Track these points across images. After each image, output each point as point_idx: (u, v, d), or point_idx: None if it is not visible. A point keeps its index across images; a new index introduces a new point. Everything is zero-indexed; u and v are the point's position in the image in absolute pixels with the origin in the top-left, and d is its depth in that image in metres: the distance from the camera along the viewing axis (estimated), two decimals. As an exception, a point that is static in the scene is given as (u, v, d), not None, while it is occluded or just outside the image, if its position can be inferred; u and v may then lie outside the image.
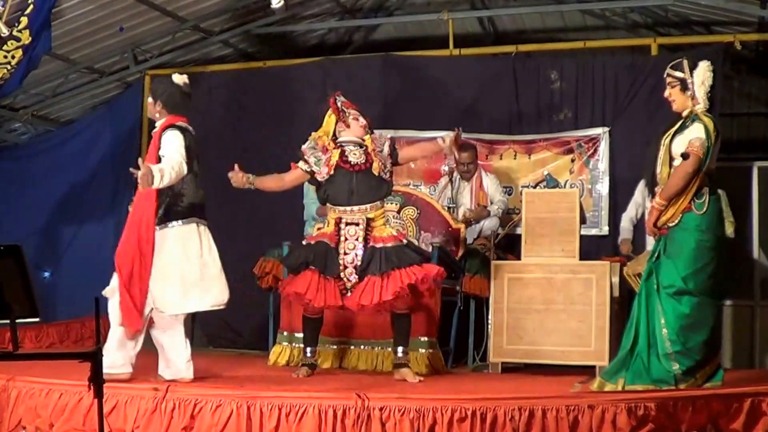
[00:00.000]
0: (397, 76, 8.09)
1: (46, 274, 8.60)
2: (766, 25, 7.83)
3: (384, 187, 5.57)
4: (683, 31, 8.53)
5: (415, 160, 5.73)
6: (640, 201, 6.87)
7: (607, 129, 7.62)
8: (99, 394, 3.50)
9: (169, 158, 5.03)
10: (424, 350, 6.01)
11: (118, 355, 5.04)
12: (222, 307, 5.31)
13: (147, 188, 5.01)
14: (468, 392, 4.77)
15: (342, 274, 5.42)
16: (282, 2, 7.49)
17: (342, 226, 5.47)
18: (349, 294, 5.42)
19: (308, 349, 5.74)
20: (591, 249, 7.06)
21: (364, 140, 5.58)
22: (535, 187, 7.18)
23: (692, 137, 4.74)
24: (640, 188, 6.70)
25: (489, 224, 7.17)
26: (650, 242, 5.81)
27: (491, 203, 7.29)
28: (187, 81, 5.40)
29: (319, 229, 6.55)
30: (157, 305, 5.03)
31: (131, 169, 4.85)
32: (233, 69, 8.72)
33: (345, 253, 5.44)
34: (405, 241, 5.52)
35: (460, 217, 7.10)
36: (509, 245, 7.12)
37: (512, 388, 5.22)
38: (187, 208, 5.17)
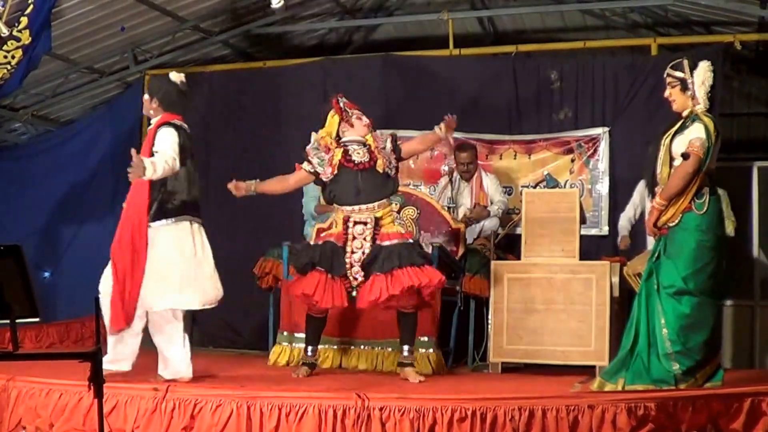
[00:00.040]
0: (397, 76, 8.09)
1: (46, 274, 8.60)
2: (766, 25, 7.83)
3: (390, 185, 5.57)
4: (683, 31, 8.53)
5: (418, 153, 5.74)
6: (638, 201, 6.88)
7: (607, 129, 7.62)
8: (99, 394, 3.50)
9: (162, 153, 5.04)
10: (424, 350, 6.01)
11: (116, 350, 5.06)
12: (213, 305, 5.31)
13: (140, 185, 5.04)
14: (468, 392, 4.77)
15: (348, 273, 5.43)
16: (282, 2, 7.49)
17: (350, 225, 5.48)
18: (355, 293, 5.44)
19: (309, 348, 5.74)
20: (591, 249, 7.06)
21: (366, 139, 5.58)
22: (535, 187, 7.18)
23: (692, 137, 4.74)
24: (639, 189, 6.71)
25: (489, 224, 7.17)
26: (650, 242, 5.81)
27: (491, 203, 7.29)
28: (183, 79, 5.41)
29: (320, 229, 6.56)
30: (146, 302, 5.05)
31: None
32: (233, 69, 8.72)
33: (352, 252, 5.44)
34: (411, 239, 5.52)
35: (460, 217, 7.10)
36: (509, 245, 7.12)
37: (512, 388, 5.22)
38: (179, 206, 5.17)
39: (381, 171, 5.50)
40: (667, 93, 4.95)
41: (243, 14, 8.42)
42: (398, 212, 6.78)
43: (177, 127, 5.20)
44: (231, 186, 5.77)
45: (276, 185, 5.88)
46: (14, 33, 6.50)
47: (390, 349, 6.23)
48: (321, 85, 8.21)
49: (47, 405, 4.48)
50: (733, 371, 6.15)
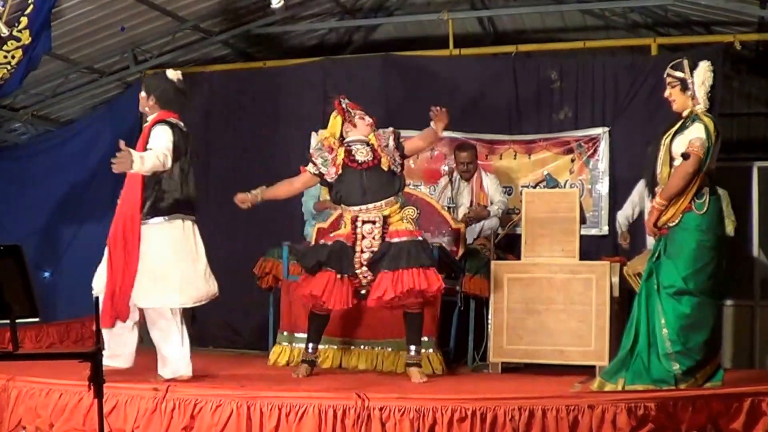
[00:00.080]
0: (397, 76, 8.09)
1: (46, 274, 8.60)
2: (766, 25, 7.82)
3: (397, 182, 5.57)
4: (683, 31, 8.53)
5: (420, 150, 5.73)
6: (636, 200, 6.86)
7: (607, 129, 7.62)
8: (99, 394, 3.50)
9: (155, 150, 5.05)
10: (424, 350, 6.00)
11: (112, 346, 5.07)
12: (205, 302, 5.31)
13: (133, 182, 5.06)
14: (468, 392, 4.78)
15: (358, 272, 5.44)
16: (282, 2, 7.48)
17: (358, 224, 5.48)
18: (365, 291, 5.45)
19: (310, 345, 5.74)
20: (591, 249, 7.06)
21: (370, 138, 5.58)
22: (535, 187, 7.18)
23: (692, 137, 4.74)
24: (639, 188, 6.69)
25: (489, 224, 7.17)
26: (650, 242, 5.81)
27: (491, 203, 7.29)
28: (181, 77, 5.42)
29: (320, 229, 6.57)
30: (137, 299, 5.05)
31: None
32: (233, 69, 8.72)
33: (362, 252, 5.45)
34: (420, 237, 5.50)
35: (460, 217, 7.10)
36: (509, 245, 7.12)
37: (512, 388, 5.22)
38: (172, 205, 5.18)
39: (386, 169, 5.50)
40: (667, 93, 4.95)
41: (243, 14, 8.42)
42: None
43: (172, 126, 5.20)
44: (237, 200, 5.77)
45: (282, 190, 5.87)
46: (14, 33, 6.49)
47: (390, 349, 6.23)
48: (321, 85, 8.21)
49: (47, 405, 4.49)
50: (733, 371, 6.15)
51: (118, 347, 5.22)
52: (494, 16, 8.92)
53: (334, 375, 5.92)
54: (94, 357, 3.48)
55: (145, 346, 5.49)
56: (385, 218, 5.47)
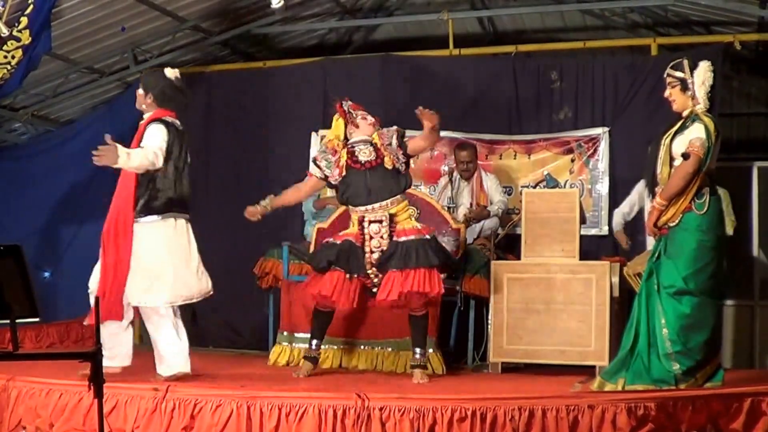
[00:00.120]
0: (397, 76, 8.09)
1: (46, 274, 8.59)
2: (766, 25, 7.82)
3: (402, 180, 5.56)
4: (683, 31, 8.53)
5: (423, 150, 5.72)
6: (635, 200, 6.85)
7: (607, 129, 7.62)
8: (99, 394, 3.50)
9: (146, 148, 5.06)
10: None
11: (108, 346, 5.08)
12: (195, 300, 5.33)
13: (127, 179, 5.08)
14: (468, 392, 4.78)
15: (369, 272, 5.44)
16: (282, 2, 7.48)
17: (365, 225, 5.48)
18: (375, 290, 5.47)
19: (314, 342, 5.74)
20: (591, 249, 7.06)
21: (373, 138, 5.58)
22: (535, 187, 7.18)
23: (693, 137, 4.75)
24: (639, 188, 6.69)
25: (489, 224, 7.17)
26: (650, 242, 5.81)
27: (491, 203, 7.29)
28: (178, 76, 5.43)
29: (320, 229, 6.56)
30: (130, 296, 5.06)
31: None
32: (233, 69, 8.72)
33: (371, 252, 5.45)
34: (429, 236, 5.49)
35: (460, 217, 7.10)
36: (509, 245, 7.11)
37: (512, 388, 5.22)
38: (166, 203, 5.19)
39: (390, 168, 5.50)
40: (667, 93, 4.95)
41: (243, 14, 8.41)
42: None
43: (168, 124, 5.21)
44: (247, 213, 5.79)
45: (290, 197, 5.91)
46: (14, 33, 6.49)
47: (390, 349, 6.23)
48: (321, 85, 8.22)
49: (47, 405, 4.49)
50: (733, 371, 6.15)
51: (115, 347, 5.22)
52: (494, 16, 8.91)
53: (334, 375, 5.93)
54: (94, 357, 3.48)
55: (145, 345, 5.49)
56: (392, 217, 5.48)
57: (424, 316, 5.61)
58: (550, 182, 7.48)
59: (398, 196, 5.53)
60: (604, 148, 7.59)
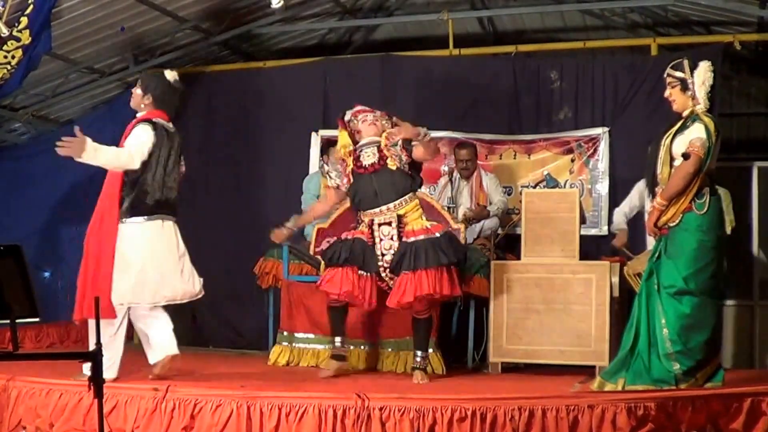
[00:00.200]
0: (397, 76, 8.09)
1: (46, 274, 8.59)
2: (766, 25, 7.82)
3: (408, 181, 5.56)
4: (683, 31, 8.53)
5: (423, 158, 5.69)
6: (635, 199, 6.83)
7: (606, 129, 7.62)
8: (99, 394, 3.49)
9: (126, 147, 5.08)
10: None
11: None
12: (180, 302, 5.32)
13: (114, 179, 5.09)
14: (468, 392, 4.78)
15: (384, 275, 5.45)
16: (282, 2, 7.48)
17: (375, 227, 5.48)
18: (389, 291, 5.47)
19: (337, 339, 5.72)
20: (591, 249, 7.06)
21: (380, 139, 5.57)
22: (535, 187, 7.18)
23: (693, 137, 4.75)
24: (639, 187, 6.67)
25: (489, 224, 7.17)
26: (650, 242, 5.81)
27: (491, 203, 7.29)
28: (177, 78, 5.43)
29: (320, 229, 6.57)
30: (115, 297, 5.05)
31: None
32: (233, 69, 8.72)
33: (383, 254, 5.45)
34: (439, 234, 5.47)
35: (460, 217, 7.10)
36: (509, 245, 7.12)
37: (512, 388, 5.22)
38: (153, 205, 5.19)
39: (394, 169, 5.50)
40: (667, 93, 4.95)
41: (243, 14, 8.41)
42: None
43: (155, 126, 5.20)
44: (273, 237, 5.90)
45: (314, 212, 5.98)
46: (14, 33, 6.49)
47: (390, 350, 6.24)
48: (321, 85, 8.22)
49: (47, 405, 4.49)
50: (733, 371, 6.15)
51: (109, 358, 5.17)
52: (494, 16, 8.91)
53: (334, 375, 5.92)
54: (94, 357, 3.47)
55: (142, 347, 5.48)
56: (401, 218, 5.48)
57: (427, 319, 5.61)
58: (550, 182, 7.48)
59: (406, 197, 5.53)
60: (604, 148, 7.59)
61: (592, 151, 7.64)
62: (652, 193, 4.98)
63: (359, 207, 5.60)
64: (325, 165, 7.48)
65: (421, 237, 5.40)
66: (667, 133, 4.88)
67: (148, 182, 5.16)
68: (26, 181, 8.67)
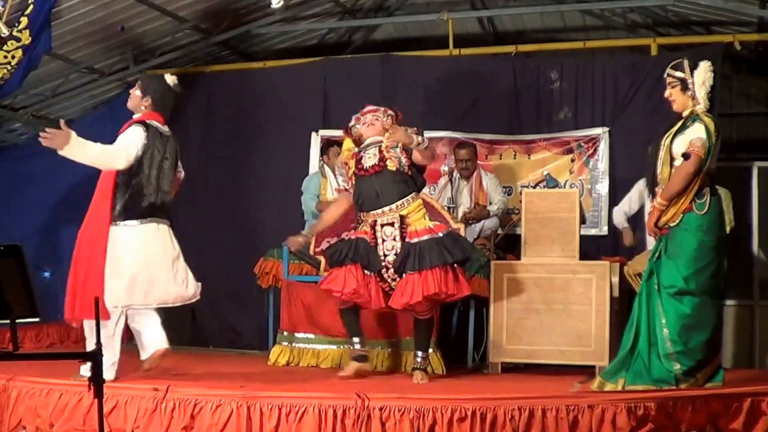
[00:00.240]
0: (397, 76, 8.09)
1: (46, 274, 8.59)
2: (766, 25, 7.82)
3: (409, 182, 5.55)
4: (683, 31, 8.53)
5: (422, 163, 5.67)
6: (635, 198, 6.84)
7: (606, 129, 7.62)
8: (99, 394, 3.49)
9: (113, 146, 5.08)
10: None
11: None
12: (171, 305, 5.32)
13: (107, 178, 5.08)
14: (468, 392, 4.78)
15: (386, 275, 5.44)
16: (282, 2, 7.49)
17: (377, 228, 5.49)
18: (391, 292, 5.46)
19: (355, 340, 5.70)
20: (591, 249, 7.06)
21: (381, 138, 5.57)
22: (535, 187, 7.18)
23: (693, 137, 4.74)
24: (640, 186, 6.68)
25: (489, 224, 7.17)
26: (650, 242, 5.81)
27: (491, 203, 7.29)
28: (177, 82, 5.43)
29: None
30: (109, 299, 5.05)
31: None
32: (233, 69, 8.72)
33: (385, 255, 5.45)
34: (442, 233, 5.46)
35: (459, 216, 7.10)
36: (509, 245, 7.12)
37: (512, 388, 5.22)
38: (146, 208, 5.17)
39: (394, 170, 5.50)
40: (667, 93, 4.95)
41: (243, 14, 8.41)
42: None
43: (148, 128, 5.19)
44: (290, 244, 5.99)
45: (329, 217, 5.92)
46: (14, 33, 6.49)
47: (390, 349, 6.24)
48: (321, 85, 8.22)
49: (47, 405, 4.49)
50: (733, 371, 6.15)
51: (107, 359, 5.17)
52: (494, 16, 8.90)
53: (334, 375, 5.92)
54: (94, 357, 3.47)
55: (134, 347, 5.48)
56: (403, 218, 5.47)
57: (429, 319, 5.61)
58: (550, 182, 7.48)
59: (408, 197, 5.53)
60: (604, 148, 7.59)
61: (592, 151, 7.65)
62: (652, 193, 4.98)
63: (362, 208, 5.60)
64: (325, 165, 7.51)
65: (425, 237, 5.40)
66: (667, 133, 4.88)
67: (143, 184, 5.15)
68: (26, 181, 8.67)
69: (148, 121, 5.24)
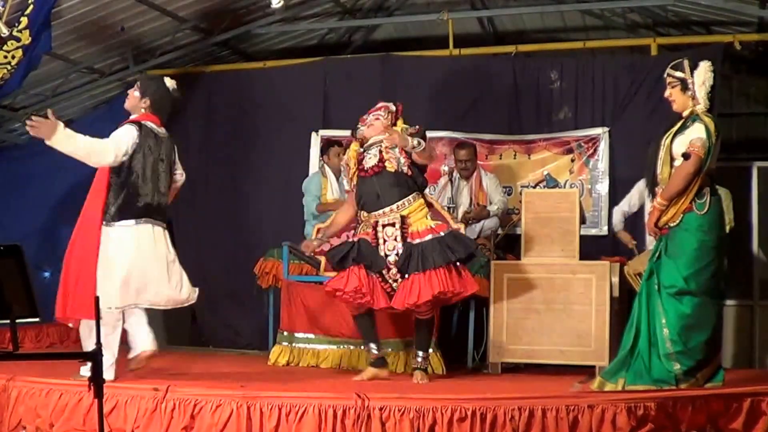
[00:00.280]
0: (397, 76, 8.09)
1: (46, 274, 8.58)
2: (766, 25, 7.82)
3: (410, 182, 5.54)
4: (683, 31, 8.53)
5: (422, 163, 5.67)
6: (635, 199, 6.83)
7: (606, 129, 7.63)
8: (99, 394, 3.49)
9: (103, 141, 5.07)
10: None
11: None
12: (163, 307, 5.32)
13: (102, 177, 5.06)
14: (468, 392, 4.78)
15: (387, 276, 5.44)
16: (282, 2, 7.49)
17: (379, 229, 5.49)
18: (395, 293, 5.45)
19: (372, 346, 5.68)
20: (591, 249, 7.05)
21: (382, 137, 5.57)
22: (535, 187, 7.18)
23: (693, 137, 4.74)
24: (640, 187, 6.68)
25: (489, 224, 7.17)
26: (650, 242, 5.81)
27: (491, 203, 7.29)
28: (176, 87, 5.44)
29: (320, 229, 6.57)
30: (103, 299, 5.03)
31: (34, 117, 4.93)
32: (233, 69, 8.72)
33: (386, 255, 5.45)
34: (443, 233, 5.46)
35: (459, 217, 7.10)
36: (509, 245, 7.12)
37: (512, 388, 5.22)
38: (142, 209, 5.16)
39: (393, 171, 5.50)
40: (667, 93, 4.95)
41: (243, 14, 8.41)
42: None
43: (142, 128, 5.18)
44: (304, 247, 6.10)
45: (340, 219, 5.93)
46: (14, 33, 6.49)
47: (390, 350, 6.23)
48: (321, 85, 8.23)
49: (47, 405, 4.48)
50: (733, 371, 6.15)
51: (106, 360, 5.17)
52: (494, 16, 8.91)
53: (334, 375, 5.93)
54: (94, 357, 3.47)
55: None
56: (404, 218, 5.47)
57: (430, 319, 5.61)
58: (550, 182, 7.48)
59: (409, 197, 5.52)
60: (604, 148, 7.60)
61: (592, 151, 7.65)
62: (652, 193, 4.98)
63: (363, 209, 5.61)
64: (325, 165, 7.51)
65: (427, 237, 5.39)
66: (667, 133, 4.88)
67: (138, 185, 5.14)
68: (26, 181, 8.67)
69: (142, 122, 5.24)
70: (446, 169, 7.68)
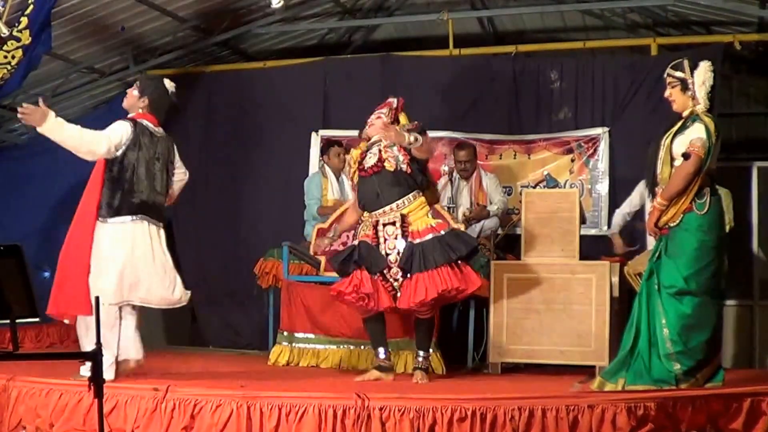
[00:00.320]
0: (397, 76, 8.09)
1: (46, 274, 8.57)
2: (766, 25, 7.82)
3: (409, 181, 5.54)
4: (683, 31, 8.53)
5: (421, 158, 5.68)
6: (636, 200, 6.83)
7: (606, 129, 7.63)
8: (99, 394, 3.49)
9: (96, 132, 5.09)
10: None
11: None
12: (155, 306, 5.32)
13: (98, 172, 5.08)
14: (468, 392, 4.78)
15: (388, 275, 5.43)
16: (282, 2, 7.49)
17: (379, 228, 5.49)
18: (398, 294, 5.43)
19: (380, 350, 5.65)
20: (591, 249, 7.05)
21: (382, 137, 5.57)
22: (535, 187, 7.18)
23: (693, 137, 4.74)
24: (640, 188, 6.68)
25: (489, 224, 7.17)
26: (651, 242, 5.81)
27: (491, 203, 7.29)
28: (174, 90, 5.45)
29: (320, 229, 6.58)
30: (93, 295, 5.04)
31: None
32: (233, 69, 8.72)
33: (387, 254, 5.45)
34: (444, 231, 5.45)
35: (459, 216, 7.10)
36: (509, 245, 7.12)
37: (512, 388, 5.22)
38: (138, 206, 5.16)
39: (392, 170, 5.50)
40: (667, 93, 4.95)
41: (243, 14, 8.41)
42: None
43: (137, 125, 5.18)
44: (313, 248, 6.21)
45: (350, 218, 5.93)
46: (14, 33, 6.48)
47: (390, 350, 6.22)
48: (321, 85, 8.23)
49: (47, 405, 4.49)
50: (733, 371, 6.15)
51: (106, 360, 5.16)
52: (494, 16, 8.91)
53: (334, 375, 5.93)
54: (94, 357, 3.47)
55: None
56: (404, 217, 5.47)
57: (430, 319, 5.61)
58: (550, 182, 7.48)
59: (409, 196, 5.52)
60: (604, 148, 7.60)
61: (592, 151, 7.65)
62: (652, 193, 4.98)
63: (364, 208, 5.61)
64: (325, 165, 7.51)
65: (428, 237, 5.39)
66: (667, 133, 4.88)
67: (134, 182, 5.14)
68: (26, 181, 8.67)
69: (138, 120, 5.25)
70: (446, 169, 7.68)
